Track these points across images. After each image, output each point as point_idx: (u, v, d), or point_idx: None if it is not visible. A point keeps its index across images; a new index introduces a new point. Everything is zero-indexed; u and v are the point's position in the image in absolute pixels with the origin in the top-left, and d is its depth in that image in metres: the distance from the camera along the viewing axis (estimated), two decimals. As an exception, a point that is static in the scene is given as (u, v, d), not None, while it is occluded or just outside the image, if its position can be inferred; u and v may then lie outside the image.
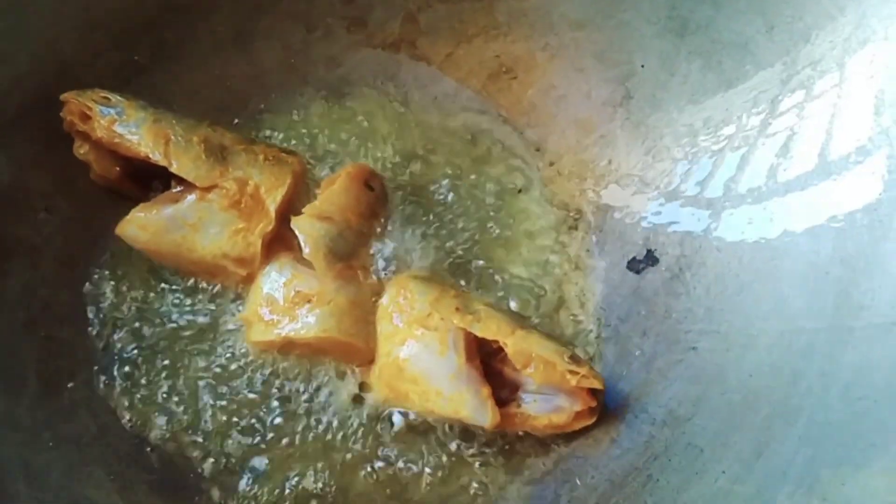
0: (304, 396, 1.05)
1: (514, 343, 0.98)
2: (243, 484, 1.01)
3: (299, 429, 1.04)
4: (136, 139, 1.03)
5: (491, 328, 0.99)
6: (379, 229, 1.11)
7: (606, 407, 1.04)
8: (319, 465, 1.03)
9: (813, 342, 0.91)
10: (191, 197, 1.05)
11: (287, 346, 1.05)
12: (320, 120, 1.23)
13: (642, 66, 1.15)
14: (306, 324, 1.02)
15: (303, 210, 1.05)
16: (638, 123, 1.16)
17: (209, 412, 1.04)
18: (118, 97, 1.06)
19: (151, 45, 1.16)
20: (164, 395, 1.05)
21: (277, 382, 1.06)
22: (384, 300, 1.05)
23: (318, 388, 1.06)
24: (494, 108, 1.25)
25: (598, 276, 1.15)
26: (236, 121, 1.22)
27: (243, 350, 1.07)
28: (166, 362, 1.06)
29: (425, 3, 1.23)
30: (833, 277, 0.92)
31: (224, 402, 1.05)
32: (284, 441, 1.04)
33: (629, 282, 1.13)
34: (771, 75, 1.05)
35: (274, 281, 1.05)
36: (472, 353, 1.00)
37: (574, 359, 0.98)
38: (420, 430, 1.04)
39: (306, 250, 1.02)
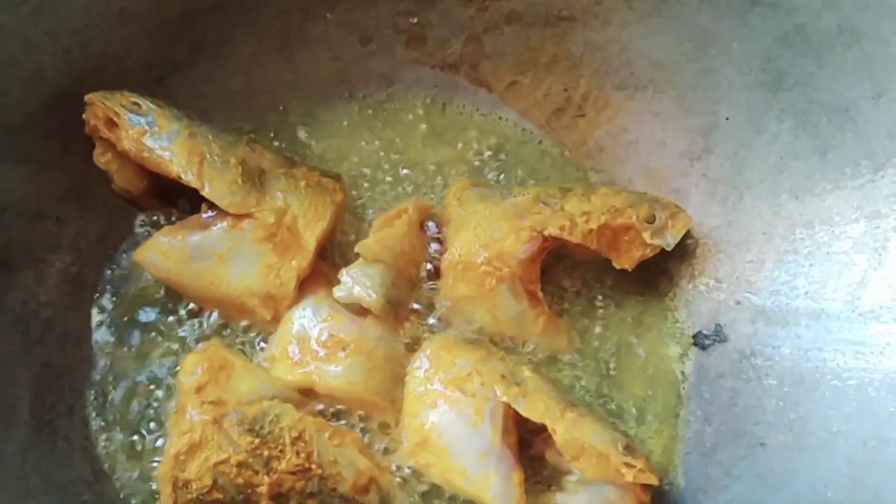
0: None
1: (565, 431, 0.89)
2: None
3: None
4: (168, 155, 0.93)
5: (538, 408, 0.90)
6: (428, 277, 1.03)
7: (660, 502, 0.97)
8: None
9: (901, 457, 0.84)
10: (221, 224, 0.96)
11: (308, 391, 0.96)
12: (366, 141, 1.13)
13: (727, 119, 1.05)
14: (334, 373, 0.95)
15: (355, 250, 0.98)
16: (716, 182, 1.07)
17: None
18: (150, 104, 0.96)
19: (189, 43, 1.06)
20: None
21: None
22: (421, 355, 0.98)
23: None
24: (558, 147, 1.16)
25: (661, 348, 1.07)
26: (278, 132, 1.14)
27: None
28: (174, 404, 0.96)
29: (492, 24, 1.12)
30: (933, 387, 0.84)
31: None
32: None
33: (693, 358, 1.05)
34: (874, 147, 0.94)
35: (309, 319, 0.97)
36: (508, 429, 0.93)
37: (629, 449, 0.90)
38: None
39: (370, 298, 0.94)
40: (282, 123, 1.13)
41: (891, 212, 0.92)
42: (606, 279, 1.08)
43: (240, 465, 0.87)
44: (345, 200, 1.03)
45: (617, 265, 1.01)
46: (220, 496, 0.87)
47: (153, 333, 1.01)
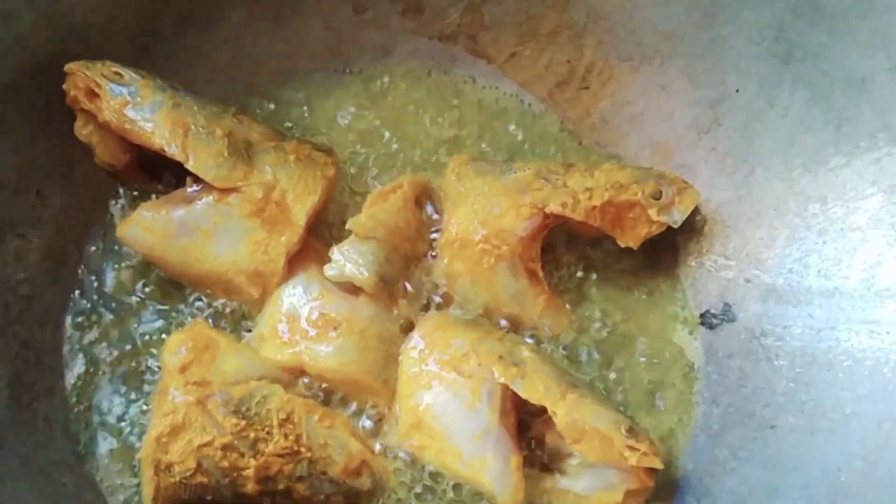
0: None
1: (566, 413, 0.86)
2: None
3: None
4: (150, 127, 0.90)
5: (537, 389, 0.87)
6: (424, 254, 0.99)
7: (664, 485, 0.94)
8: None
9: (918, 441, 0.81)
10: (207, 199, 0.92)
11: (297, 372, 0.93)
12: (360, 114, 1.09)
13: (737, 91, 1.01)
14: (324, 353, 0.92)
15: (347, 226, 0.94)
16: (725, 155, 1.03)
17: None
18: (132, 73, 0.92)
19: (177, 11, 1.01)
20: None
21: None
22: (416, 334, 0.95)
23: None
24: (561, 120, 1.12)
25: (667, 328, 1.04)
26: (268, 105, 1.10)
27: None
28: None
29: (492, -8, 1.08)
30: (951, 366, 0.82)
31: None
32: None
33: (701, 338, 1.02)
34: (890, 120, 0.90)
35: (299, 297, 0.94)
36: (506, 411, 0.90)
37: (632, 432, 0.87)
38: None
39: (362, 276, 0.90)
40: (272, 95, 1.09)
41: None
42: (610, 257, 1.05)
43: (225, 447, 0.84)
44: (337, 175, 0.99)
45: (621, 243, 0.98)
46: (205, 480, 0.84)
47: (136, 312, 0.98)
